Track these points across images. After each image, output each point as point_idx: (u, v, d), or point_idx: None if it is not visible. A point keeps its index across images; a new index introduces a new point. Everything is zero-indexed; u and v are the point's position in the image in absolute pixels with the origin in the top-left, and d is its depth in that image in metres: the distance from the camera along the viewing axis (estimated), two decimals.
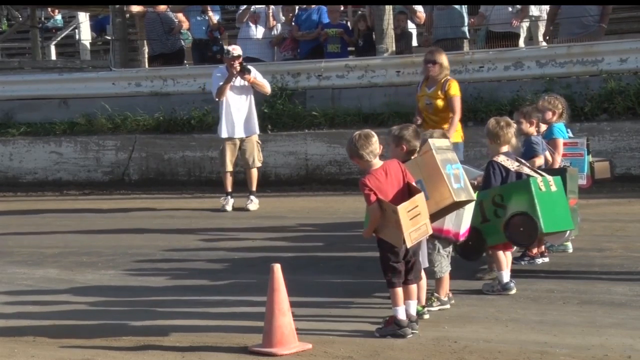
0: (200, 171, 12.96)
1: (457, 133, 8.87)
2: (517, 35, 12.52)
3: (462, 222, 6.18)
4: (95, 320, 6.44)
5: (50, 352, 5.77)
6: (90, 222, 10.70)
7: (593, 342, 5.37)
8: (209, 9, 14.11)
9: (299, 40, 13.56)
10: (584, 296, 6.40)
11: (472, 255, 6.63)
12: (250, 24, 13.64)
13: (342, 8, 14.38)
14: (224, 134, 10.79)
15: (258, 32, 13.64)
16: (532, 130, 7.40)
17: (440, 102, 8.78)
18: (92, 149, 13.59)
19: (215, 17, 14.19)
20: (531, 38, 13.31)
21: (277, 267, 5.46)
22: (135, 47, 15.61)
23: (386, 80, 12.46)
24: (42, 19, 19.09)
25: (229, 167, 10.89)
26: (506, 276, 6.53)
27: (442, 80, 8.77)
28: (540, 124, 7.58)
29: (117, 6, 14.59)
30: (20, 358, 5.70)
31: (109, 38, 15.84)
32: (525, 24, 12.84)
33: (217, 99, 10.84)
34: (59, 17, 19.90)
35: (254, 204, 10.86)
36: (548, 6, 12.53)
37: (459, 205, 5.92)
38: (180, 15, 14.59)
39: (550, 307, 6.17)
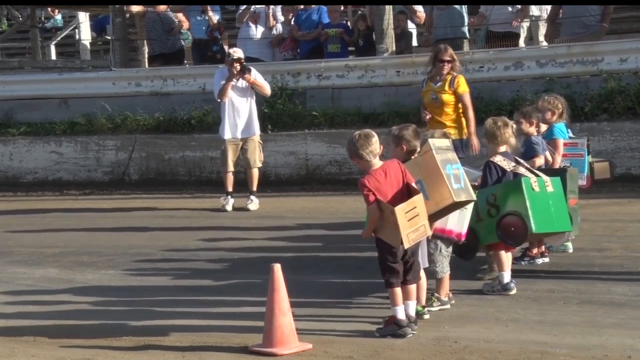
0: (200, 171, 12.96)
1: (458, 130, 8.92)
2: (517, 35, 12.52)
3: (464, 222, 6.18)
4: (95, 320, 6.44)
5: (50, 351, 5.77)
6: (91, 221, 10.70)
7: (593, 342, 5.37)
8: (209, 8, 14.11)
9: (298, 40, 13.56)
10: (584, 296, 6.40)
11: (467, 254, 6.62)
12: (250, 24, 13.65)
13: (342, 8, 14.38)
14: (226, 135, 10.81)
15: (258, 32, 13.64)
16: (532, 130, 7.40)
17: (446, 97, 8.89)
18: (92, 149, 13.59)
19: (215, 17, 14.19)
20: (531, 38, 13.31)
21: (277, 267, 5.47)
22: (135, 47, 15.61)
23: (386, 80, 12.46)
24: (42, 18, 19.08)
25: (230, 167, 10.90)
26: (507, 276, 6.53)
27: (450, 76, 8.87)
28: (541, 124, 7.58)
29: (117, 6, 14.58)
30: (20, 358, 5.70)
31: (109, 38, 15.83)
32: (525, 24, 12.83)
33: (218, 100, 10.87)
34: (59, 17, 19.89)
35: (254, 204, 10.86)
36: (548, 6, 12.54)
37: (459, 205, 5.92)
38: (180, 15, 14.59)
39: (550, 307, 6.17)
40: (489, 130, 6.65)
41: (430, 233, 5.78)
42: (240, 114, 10.83)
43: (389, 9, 12.68)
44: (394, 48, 12.77)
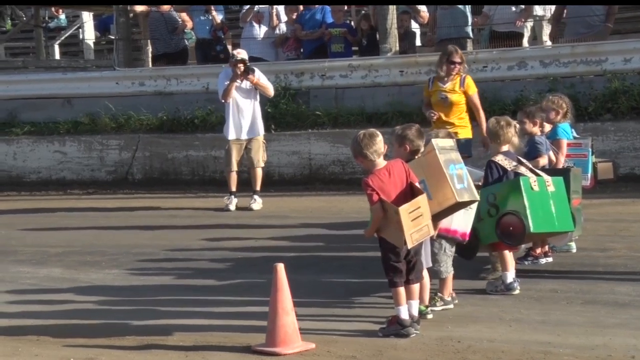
0: (203, 170, 12.97)
1: (467, 129, 8.97)
2: (521, 35, 12.51)
3: (469, 222, 6.18)
4: (98, 319, 6.45)
5: (53, 351, 5.77)
6: (94, 221, 10.71)
7: (597, 342, 5.36)
8: (212, 8, 14.11)
9: (301, 40, 13.56)
10: (588, 296, 6.40)
11: (467, 254, 6.61)
12: (254, 24, 13.65)
13: (345, 8, 14.38)
14: (231, 136, 10.84)
15: (262, 31, 13.65)
16: (535, 130, 7.39)
17: (456, 97, 8.95)
18: (96, 149, 13.60)
19: (218, 17, 14.20)
20: (535, 38, 13.30)
21: (281, 267, 5.47)
22: (139, 46, 15.62)
23: (389, 80, 12.46)
24: (46, 18, 19.10)
25: (234, 167, 10.92)
26: (510, 276, 6.53)
27: (459, 77, 8.93)
28: (545, 123, 7.57)
29: (121, 6, 14.60)
30: (23, 357, 5.70)
31: (113, 37, 15.83)
32: (529, 24, 12.82)
33: (223, 101, 10.88)
34: (62, 16, 19.90)
35: (257, 203, 10.87)
36: (552, 6, 12.52)
37: (462, 205, 5.91)
38: (184, 15, 14.60)
39: (553, 307, 6.17)
40: (492, 129, 6.65)
41: (433, 233, 5.78)
42: (244, 114, 10.85)
43: (392, 8, 12.67)
44: (397, 48, 12.77)
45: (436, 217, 5.79)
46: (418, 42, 13.82)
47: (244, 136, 10.88)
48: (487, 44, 12.50)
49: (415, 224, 5.50)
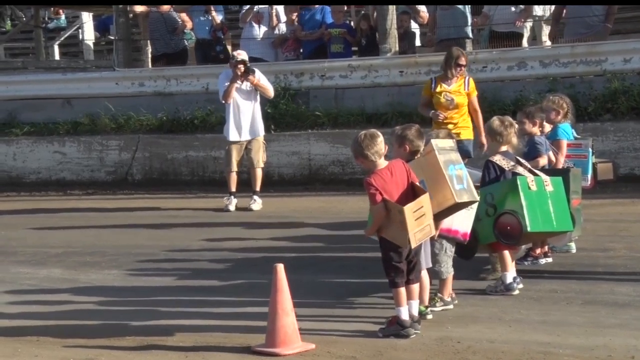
0: (203, 171, 12.97)
1: (469, 130, 9.10)
2: (521, 35, 12.52)
3: (470, 222, 6.18)
4: (98, 320, 6.45)
5: (53, 351, 5.77)
6: (94, 222, 10.70)
7: (597, 343, 5.36)
8: (212, 9, 14.10)
9: (301, 41, 13.56)
10: (588, 296, 6.40)
11: (466, 254, 6.60)
12: (254, 24, 13.65)
13: (345, 8, 14.38)
14: (232, 137, 10.84)
15: (261, 32, 13.64)
16: (535, 130, 7.39)
17: (461, 99, 9.07)
18: (96, 149, 13.60)
19: (218, 17, 14.20)
20: (534, 38, 13.30)
21: (280, 267, 5.47)
22: (138, 47, 15.61)
23: (389, 80, 12.46)
24: (46, 18, 19.10)
25: (234, 167, 10.92)
26: (510, 277, 6.53)
27: (463, 78, 9.08)
28: (546, 124, 7.56)
29: (121, 6, 14.59)
30: (23, 357, 5.70)
31: (113, 38, 15.83)
32: (528, 24, 12.83)
33: (223, 102, 10.89)
34: (62, 17, 19.90)
35: (257, 204, 10.87)
36: (552, 6, 12.52)
37: (461, 206, 5.91)
38: (184, 15, 14.60)
39: (553, 308, 6.17)
40: (496, 129, 6.63)
41: (435, 233, 5.78)
42: (245, 115, 10.85)
43: (392, 9, 12.67)
44: (397, 48, 12.77)
45: (436, 218, 5.78)
46: (418, 43, 13.82)
47: (245, 137, 10.89)
48: (487, 44, 12.50)
49: (418, 223, 5.50)
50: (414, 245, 5.54)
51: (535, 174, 6.54)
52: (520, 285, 6.54)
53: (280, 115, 12.56)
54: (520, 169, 6.53)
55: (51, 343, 5.94)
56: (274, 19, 13.65)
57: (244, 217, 10.46)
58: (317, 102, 12.67)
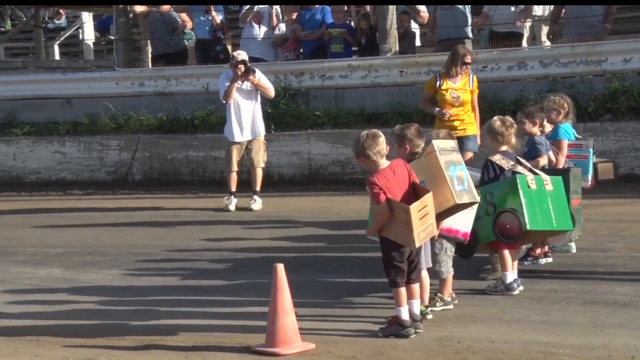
0: (203, 171, 12.97)
1: (474, 126, 9.19)
2: (521, 35, 12.52)
3: (470, 222, 6.18)
4: (98, 319, 6.45)
5: (53, 351, 5.77)
6: (94, 221, 10.70)
7: (597, 343, 5.36)
8: (212, 9, 14.11)
9: (301, 41, 13.56)
10: (588, 296, 6.40)
11: (466, 253, 6.60)
12: (254, 24, 13.65)
13: (345, 8, 14.38)
14: (232, 137, 10.84)
15: (261, 32, 13.65)
16: (535, 130, 7.39)
17: (466, 96, 9.18)
18: (96, 149, 13.60)
19: (218, 17, 14.20)
20: (534, 38, 13.30)
21: (280, 267, 5.46)
22: (138, 47, 15.62)
23: (389, 80, 12.46)
24: (46, 18, 19.11)
25: (235, 167, 10.92)
26: (510, 277, 6.53)
27: (467, 76, 9.19)
28: (547, 123, 7.56)
29: (121, 6, 14.59)
30: (23, 357, 5.70)
31: (113, 38, 15.84)
32: (528, 24, 12.83)
33: (224, 102, 10.89)
34: (62, 19, 19.90)
35: (257, 203, 10.87)
36: (551, 6, 12.52)
37: (462, 207, 5.91)
38: (184, 15, 14.60)
39: (553, 308, 6.17)
40: (497, 129, 6.63)
41: (436, 232, 5.77)
42: (245, 115, 10.85)
43: (392, 8, 12.67)
44: (397, 48, 12.77)
45: (436, 218, 5.77)
46: (418, 43, 13.83)
47: (245, 137, 10.89)
48: (487, 44, 12.50)
49: (422, 222, 5.50)
50: (417, 244, 5.53)
51: (535, 173, 6.54)
52: (521, 287, 6.54)
53: (281, 115, 12.56)
54: (520, 168, 6.53)
55: (51, 343, 5.94)
56: (274, 18, 13.65)
57: (244, 217, 10.46)
58: (317, 102, 12.67)
